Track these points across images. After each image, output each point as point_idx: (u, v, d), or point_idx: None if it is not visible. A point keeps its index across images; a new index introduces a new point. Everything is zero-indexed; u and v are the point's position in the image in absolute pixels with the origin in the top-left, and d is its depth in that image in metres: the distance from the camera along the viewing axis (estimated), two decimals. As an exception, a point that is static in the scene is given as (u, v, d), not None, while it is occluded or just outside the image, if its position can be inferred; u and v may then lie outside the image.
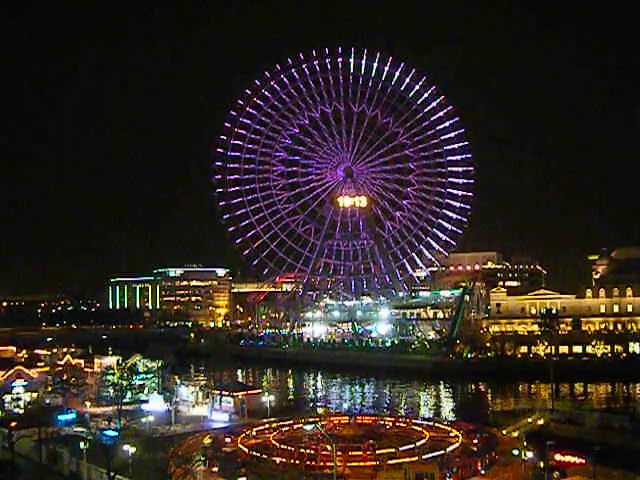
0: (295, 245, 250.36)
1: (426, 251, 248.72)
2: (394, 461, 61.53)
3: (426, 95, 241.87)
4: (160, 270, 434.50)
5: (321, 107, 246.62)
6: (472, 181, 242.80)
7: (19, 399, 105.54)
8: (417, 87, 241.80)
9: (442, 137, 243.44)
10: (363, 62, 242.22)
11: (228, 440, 72.15)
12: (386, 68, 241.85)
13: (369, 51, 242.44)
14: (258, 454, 65.52)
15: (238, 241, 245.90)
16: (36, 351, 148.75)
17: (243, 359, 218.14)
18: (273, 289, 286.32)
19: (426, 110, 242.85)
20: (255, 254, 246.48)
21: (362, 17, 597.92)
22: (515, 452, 63.93)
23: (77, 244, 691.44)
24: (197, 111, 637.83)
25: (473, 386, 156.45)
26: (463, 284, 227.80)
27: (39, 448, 70.35)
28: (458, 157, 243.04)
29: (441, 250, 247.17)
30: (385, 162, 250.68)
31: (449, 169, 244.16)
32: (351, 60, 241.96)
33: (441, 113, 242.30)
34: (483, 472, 61.16)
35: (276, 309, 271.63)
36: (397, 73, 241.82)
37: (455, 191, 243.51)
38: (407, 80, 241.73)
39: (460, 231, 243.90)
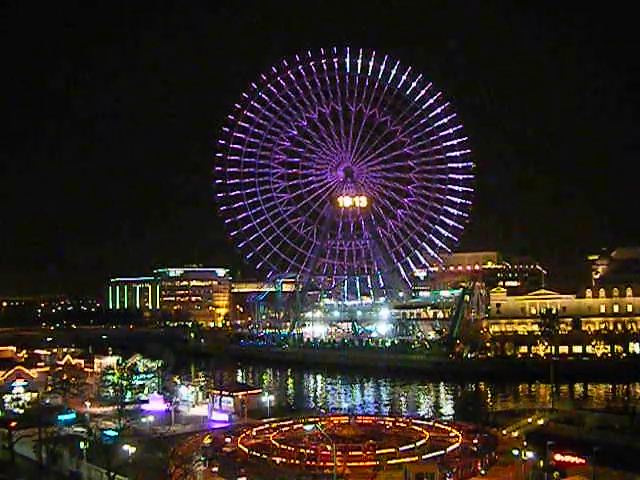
0: (297, 247, 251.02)
1: (429, 248, 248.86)
2: (394, 461, 61.56)
3: (423, 92, 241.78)
4: (160, 270, 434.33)
5: (319, 108, 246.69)
6: (472, 177, 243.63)
7: (19, 399, 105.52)
8: (414, 84, 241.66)
9: (441, 134, 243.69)
10: (359, 61, 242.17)
11: (228, 440, 72.16)
12: (382, 67, 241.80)
13: (365, 50, 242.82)
14: (258, 454, 65.52)
15: (241, 245, 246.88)
16: (36, 351, 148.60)
17: (243, 359, 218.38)
18: (273, 289, 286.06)
19: (424, 107, 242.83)
20: (258, 257, 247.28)
21: (357, 16, 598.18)
22: (515, 452, 63.95)
23: (77, 244, 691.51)
24: (197, 112, 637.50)
25: (473, 386, 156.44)
26: (463, 284, 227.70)
27: (39, 448, 70.31)
28: (457, 153, 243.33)
29: (444, 247, 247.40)
30: (385, 161, 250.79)
31: (449, 165, 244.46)
32: (347, 60, 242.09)
33: (439, 110, 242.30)
34: (483, 472, 61.16)
35: (276, 309, 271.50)
36: (393, 71, 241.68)
37: (456, 187, 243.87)
38: (404, 78, 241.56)
39: (462, 227, 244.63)
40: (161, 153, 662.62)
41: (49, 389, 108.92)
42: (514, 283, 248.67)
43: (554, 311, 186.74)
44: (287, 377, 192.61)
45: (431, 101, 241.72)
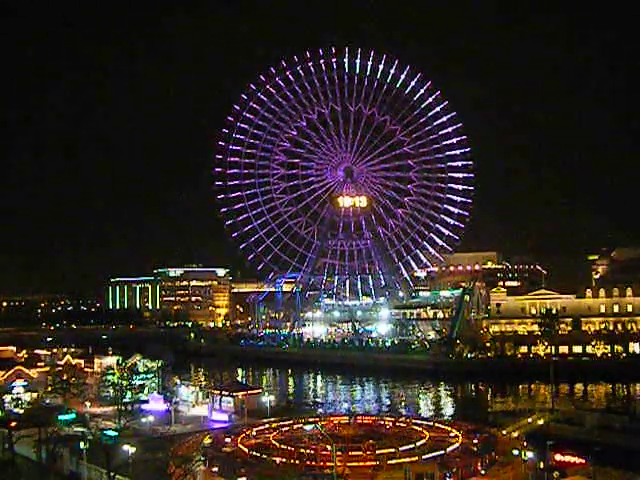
0: (298, 247, 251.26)
1: (430, 247, 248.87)
2: (394, 461, 61.37)
3: (422, 91, 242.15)
4: (160, 270, 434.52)
5: (318, 108, 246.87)
6: (472, 175, 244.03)
7: (19, 399, 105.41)
8: (413, 83, 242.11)
9: (440, 132, 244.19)
10: (358, 61, 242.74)
11: (228, 440, 72.05)
12: (381, 66, 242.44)
13: (363, 50, 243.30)
14: (258, 454, 65.41)
15: (242, 246, 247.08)
16: (36, 351, 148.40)
17: (243, 359, 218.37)
18: (273, 289, 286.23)
19: (423, 106, 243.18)
20: (259, 258, 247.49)
21: (356, 16, 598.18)
22: (515, 452, 63.88)
23: (77, 244, 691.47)
24: (196, 113, 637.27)
25: (473, 386, 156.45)
26: (463, 284, 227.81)
27: (39, 448, 70.26)
28: (457, 152, 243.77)
29: (445, 246, 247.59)
30: (384, 160, 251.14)
31: (448, 164, 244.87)
32: (346, 60, 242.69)
33: (438, 109, 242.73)
34: (483, 472, 61.02)
35: (276, 309, 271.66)
36: (392, 70, 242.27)
37: (456, 186, 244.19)
38: (402, 77, 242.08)
39: (462, 225, 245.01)
40: (161, 154, 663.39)
41: (49, 389, 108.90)
42: (514, 283, 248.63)
43: (554, 311, 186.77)
44: (287, 377, 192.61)
45: (430, 100, 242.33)
